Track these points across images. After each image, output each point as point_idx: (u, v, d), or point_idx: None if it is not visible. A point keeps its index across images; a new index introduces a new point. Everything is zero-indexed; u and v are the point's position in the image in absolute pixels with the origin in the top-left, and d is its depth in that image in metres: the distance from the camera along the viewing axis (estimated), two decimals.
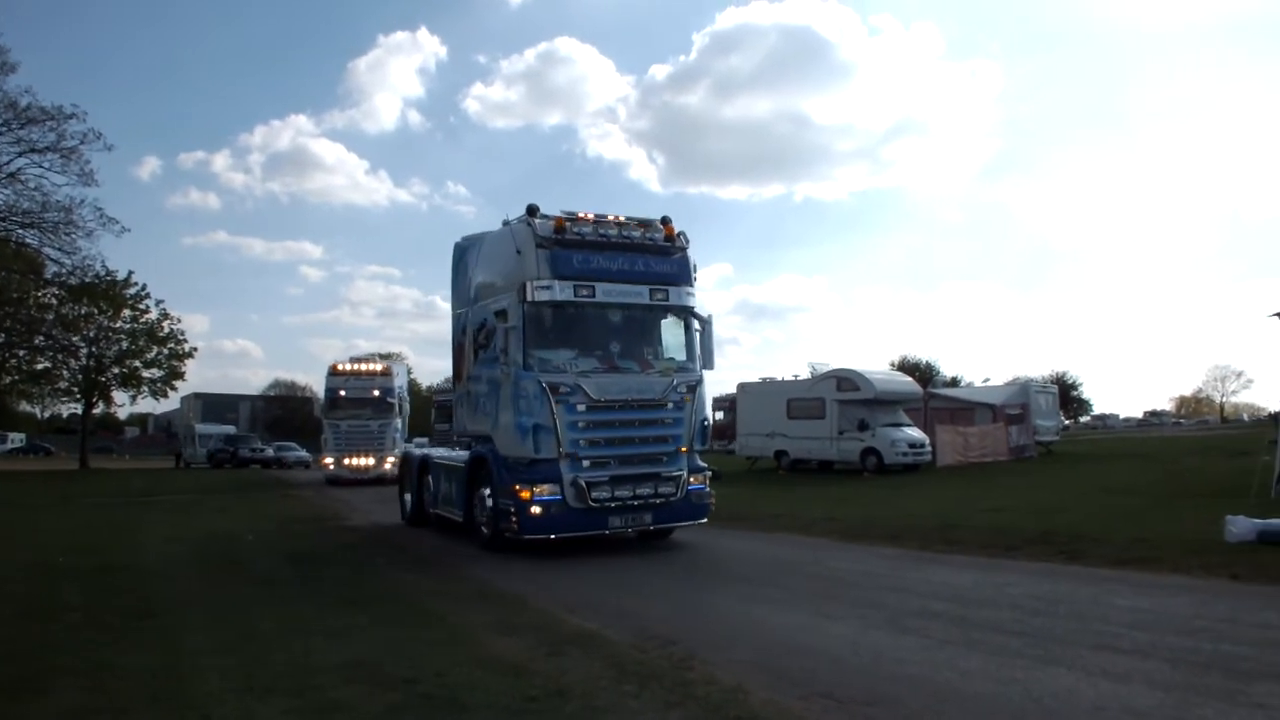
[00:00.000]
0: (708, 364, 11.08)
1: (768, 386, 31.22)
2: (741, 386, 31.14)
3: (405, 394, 30.61)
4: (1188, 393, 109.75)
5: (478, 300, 11.53)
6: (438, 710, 4.53)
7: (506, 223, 10.94)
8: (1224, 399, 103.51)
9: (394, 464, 26.20)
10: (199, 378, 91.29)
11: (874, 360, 74.75)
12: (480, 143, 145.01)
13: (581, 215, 10.46)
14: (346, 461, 27.12)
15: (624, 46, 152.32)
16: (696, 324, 11.09)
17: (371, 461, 27.11)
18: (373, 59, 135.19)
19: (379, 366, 29.76)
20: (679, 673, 5.05)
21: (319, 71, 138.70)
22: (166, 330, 44.06)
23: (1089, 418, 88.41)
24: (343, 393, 27.74)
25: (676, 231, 10.90)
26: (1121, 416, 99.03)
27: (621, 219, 10.75)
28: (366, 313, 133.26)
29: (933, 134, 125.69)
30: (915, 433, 25.81)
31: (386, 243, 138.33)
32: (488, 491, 10.69)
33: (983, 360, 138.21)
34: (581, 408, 9.94)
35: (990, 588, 7.55)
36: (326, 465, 27.66)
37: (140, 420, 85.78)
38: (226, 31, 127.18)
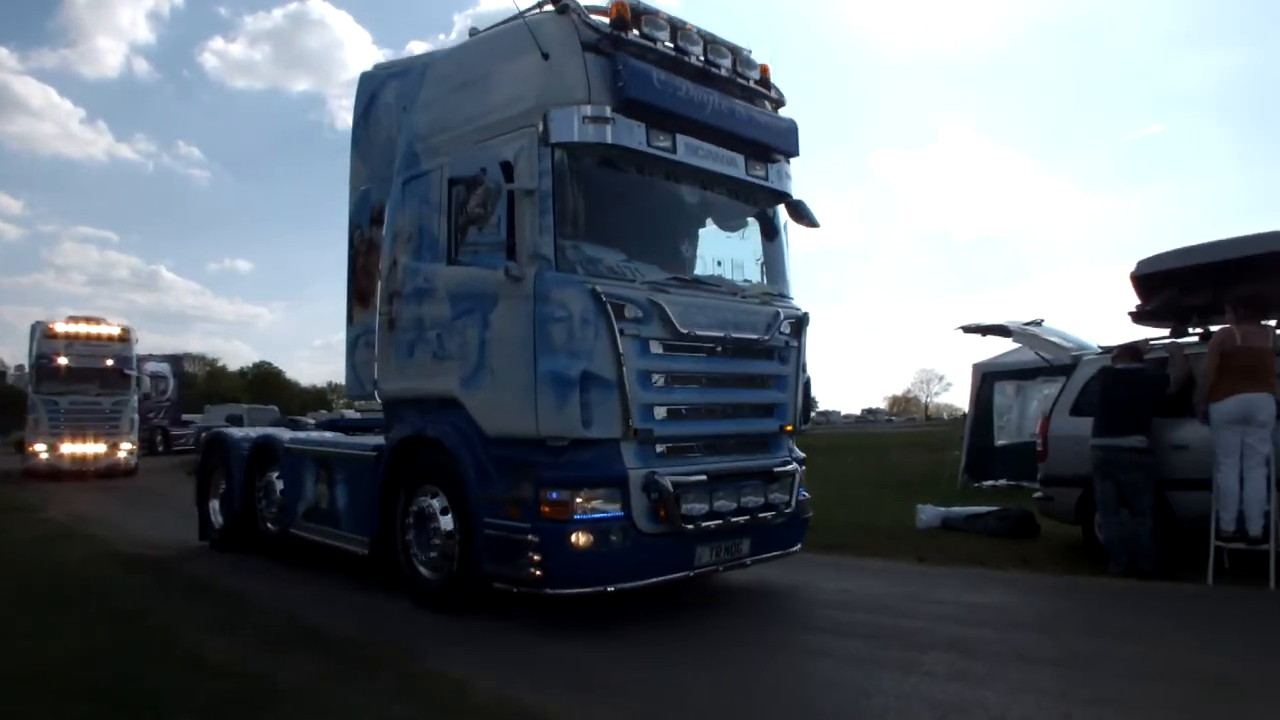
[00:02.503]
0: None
1: None
2: None
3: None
4: (899, 393, 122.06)
5: (416, 162, 6.71)
6: (133, 718, 4.17)
7: (475, 31, 6.78)
8: (928, 399, 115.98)
9: (131, 452, 22.41)
10: None
11: None
12: (218, 102, 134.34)
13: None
14: (66, 449, 21.39)
15: (381, 17, 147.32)
16: (786, 225, 7.22)
17: (102, 449, 21.83)
18: None
19: (115, 329, 22.77)
20: (403, 667, 4.92)
21: (27, 1, 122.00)
22: None
23: (814, 414, 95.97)
24: (63, 360, 21.53)
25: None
26: (842, 413, 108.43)
27: (705, 32, 6.44)
28: (76, 279, 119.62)
29: None
30: None
31: (103, 202, 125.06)
32: (438, 505, 6.25)
33: None
34: (657, 348, 5.80)
35: (714, 574, 8.00)
36: (35, 452, 21.53)
37: None
38: None
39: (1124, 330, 10.30)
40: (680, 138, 6.08)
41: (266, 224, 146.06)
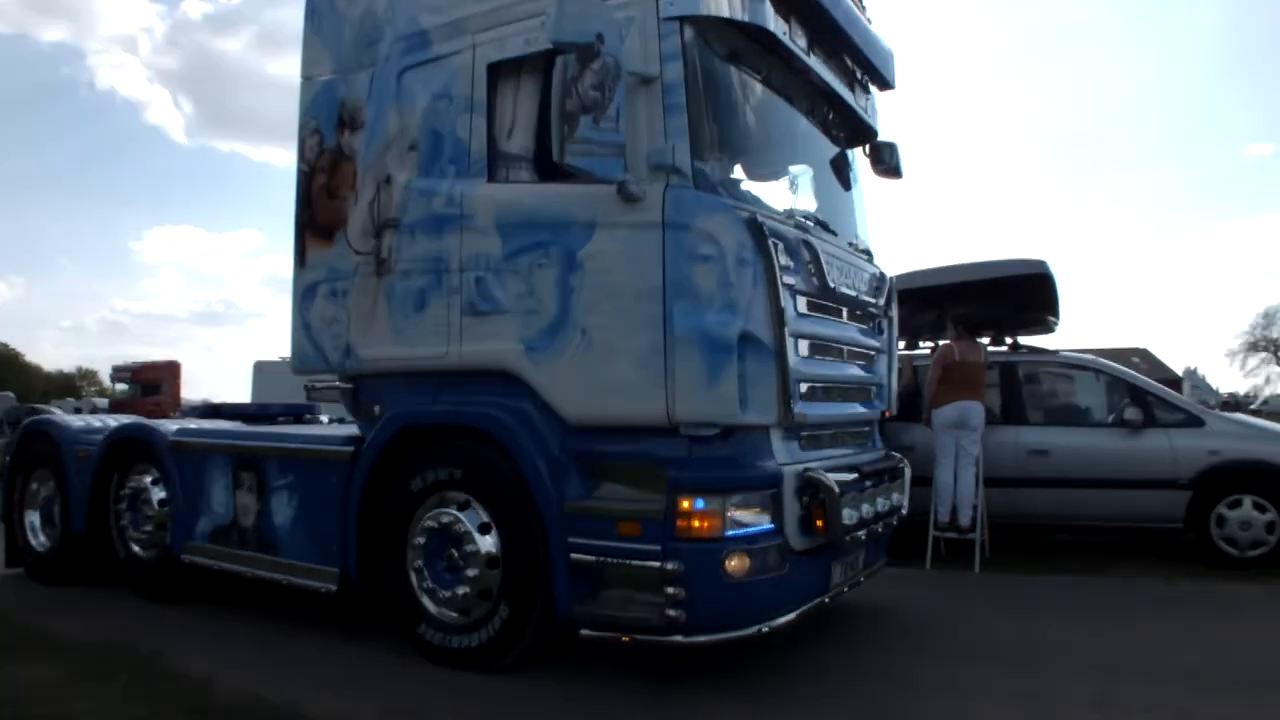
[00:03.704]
0: None
1: (286, 366, 29.48)
2: (258, 365, 28.88)
3: None
4: None
5: (424, 44, 4.92)
6: None
7: None
8: None
9: None
10: None
11: None
12: None
13: None
14: None
15: None
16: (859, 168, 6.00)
17: None
18: None
19: None
20: (143, 668, 4.68)
21: None
22: None
23: None
24: None
25: None
26: None
27: None
28: None
29: None
30: None
31: None
32: (472, 522, 4.48)
33: None
34: (803, 305, 4.43)
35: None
36: None
37: None
38: None
39: None
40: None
41: (5, 188, 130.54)
